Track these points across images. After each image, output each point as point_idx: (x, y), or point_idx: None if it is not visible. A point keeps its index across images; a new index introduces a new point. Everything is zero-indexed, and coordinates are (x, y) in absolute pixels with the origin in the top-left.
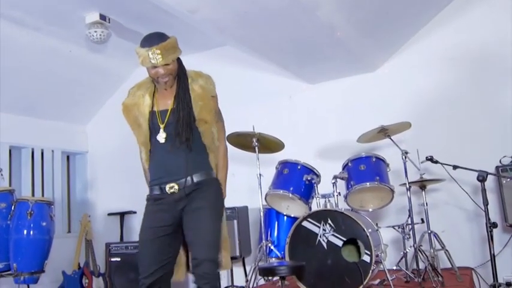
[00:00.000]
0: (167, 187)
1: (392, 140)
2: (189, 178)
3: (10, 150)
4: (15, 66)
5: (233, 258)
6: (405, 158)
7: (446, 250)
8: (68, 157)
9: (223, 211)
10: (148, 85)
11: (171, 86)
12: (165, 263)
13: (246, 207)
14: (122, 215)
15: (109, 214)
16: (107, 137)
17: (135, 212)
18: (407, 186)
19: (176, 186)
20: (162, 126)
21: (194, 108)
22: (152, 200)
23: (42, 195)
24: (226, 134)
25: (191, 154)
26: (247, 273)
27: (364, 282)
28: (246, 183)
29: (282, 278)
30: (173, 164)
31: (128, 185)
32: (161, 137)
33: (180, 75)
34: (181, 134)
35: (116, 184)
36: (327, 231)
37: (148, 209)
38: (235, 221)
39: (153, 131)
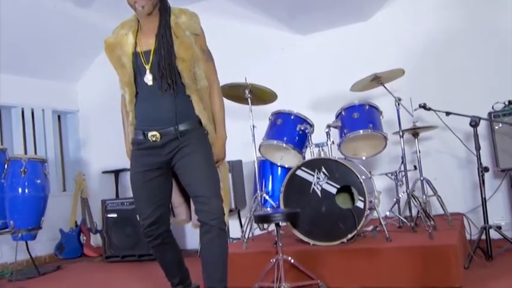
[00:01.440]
0: (149, 134)
1: (385, 87)
2: (172, 128)
3: (0, 110)
4: None
5: (229, 211)
6: (398, 105)
7: (439, 196)
8: (59, 116)
9: (213, 157)
10: (132, 23)
11: (148, 13)
12: (159, 204)
13: (240, 161)
14: (117, 172)
15: (103, 172)
16: (98, 95)
17: (129, 170)
18: (401, 133)
19: (158, 135)
20: (147, 67)
21: (174, 46)
22: (136, 144)
23: (35, 154)
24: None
25: (177, 100)
26: (243, 224)
27: (358, 228)
28: (239, 137)
29: (277, 225)
30: (159, 111)
31: (121, 142)
32: (148, 79)
33: (162, 11)
34: (165, 75)
35: (109, 142)
36: (321, 179)
37: (134, 154)
38: (229, 175)
39: (138, 72)
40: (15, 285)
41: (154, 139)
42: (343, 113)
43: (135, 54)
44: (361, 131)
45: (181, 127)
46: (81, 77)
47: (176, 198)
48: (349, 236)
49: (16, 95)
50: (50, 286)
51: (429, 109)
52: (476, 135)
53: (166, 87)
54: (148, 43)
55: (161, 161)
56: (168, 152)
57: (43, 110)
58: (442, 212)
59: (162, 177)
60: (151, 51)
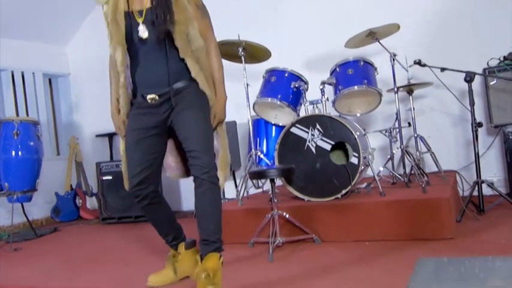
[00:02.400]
0: (148, 97)
1: (380, 43)
2: (168, 88)
3: None
4: None
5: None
6: (393, 60)
7: (432, 152)
8: (50, 80)
9: (209, 110)
10: None
11: None
12: (150, 163)
13: (234, 122)
14: (110, 136)
15: (97, 136)
16: (88, 57)
17: None
18: (395, 89)
19: (157, 97)
20: (140, 20)
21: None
22: (135, 104)
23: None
24: None
25: (171, 62)
26: (237, 184)
27: (352, 183)
28: (233, 98)
29: (272, 181)
30: (154, 73)
31: None
32: (141, 30)
33: None
34: (161, 29)
35: (102, 105)
36: (316, 136)
37: (132, 113)
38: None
39: (130, 31)
40: (13, 247)
41: (153, 101)
42: (338, 70)
43: (126, 13)
44: (355, 87)
45: (176, 85)
46: (70, 39)
47: (173, 153)
48: (343, 191)
49: (5, 58)
50: (47, 247)
51: (424, 65)
52: (470, 91)
53: (159, 43)
54: (142, 3)
55: (158, 120)
56: (165, 111)
57: (33, 73)
58: (435, 170)
59: (157, 137)
60: (144, 11)
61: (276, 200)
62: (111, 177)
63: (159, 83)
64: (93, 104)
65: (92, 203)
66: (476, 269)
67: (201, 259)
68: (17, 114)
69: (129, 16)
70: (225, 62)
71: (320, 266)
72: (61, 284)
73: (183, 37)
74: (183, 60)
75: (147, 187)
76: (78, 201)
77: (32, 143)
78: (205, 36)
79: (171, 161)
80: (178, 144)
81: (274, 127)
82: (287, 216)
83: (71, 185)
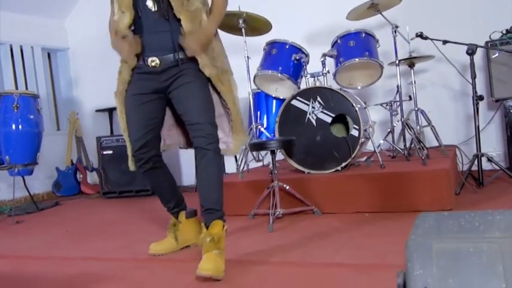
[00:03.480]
0: (149, 60)
1: (382, 15)
2: (171, 55)
3: None
4: None
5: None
6: (395, 32)
7: (433, 126)
8: (49, 55)
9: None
10: None
11: None
12: (151, 128)
13: None
14: (110, 111)
15: (97, 111)
16: (87, 32)
17: None
18: (397, 62)
19: (158, 61)
20: None
21: None
22: (136, 68)
23: None
24: None
25: (175, 33)
26: (237, 158)
27: (353, 155)
28: (233, 72)
29: (272, 153)
30: (158, 38)
31: (114, 80)
32: (150, 4)
33: None
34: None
35: (101, 80)
36: (316, 108)
37: (133, 78)
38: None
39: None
40: (15, 220)
41: (153, 64)
42: (339, 42)
43: None
44: (357, 59)
45: (181, 55)
46: (69, 13)
47: (167, 124)
48: (343, 164)
49: (4, 31)
50: (48, 220)
51: (426, 38)
52: (472, 64)
53: (166, 11)
54: None
55: (158, 87)
56: (166, 79)
57: (32, 47)
58: (434, 144)
59: (157, 102)
60: None
61: (276, 172)
62: (111, 152)
63: (161, 47)
64: (92, 79)
65: (92, 177)
66: (476, 222)
67: (207, 228)
68: (16, 89)
69: None
70: (225, 35)
71: (319, 236)
72: (63, 253)
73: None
74: (179, 20)
75: (150, 151)
76: (79, 176)
77: (32, 116)
78: None
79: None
80: (172, 114)
81: (274, 101)
82: (287, 187)
83: (72, 160)
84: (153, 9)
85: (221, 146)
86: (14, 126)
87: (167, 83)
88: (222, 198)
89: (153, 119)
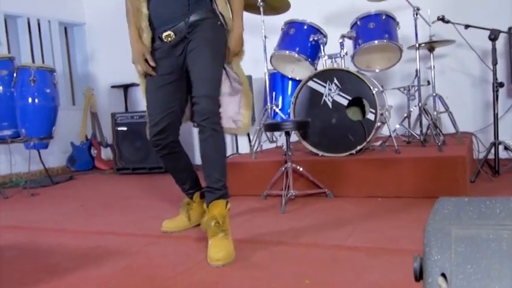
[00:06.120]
0: (164, 35)
1: None
2: (183, 22)
3: (6, 20)
4: None
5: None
6: (416, 14)
7: (450, 112)
8: (65, 29)
9: (224, 48)
10: None
11: None
12: (170, 111)
13: (250, 77)
14: (126, 87)
15: (112, 87)
16: (104, 7)
17: (138, 85)
18: (417, 45)
19: (172, 34)
20: None
21: None
22: (155, 50)
23: None
24: None
25: None
26: (251, 139)
27: (368, 139)
28: (249, 52)
29: (287, 134)
30: (173, 7)
31: (130, 56)
32: None
33: None
34: None
35: (117, 56)
36: (333, 90)
37: (154, 59)
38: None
39: None
40: (30, 192)
41: (169, 39)
42: (359, 23)
43: None
44: (376, 42)
45: (192, 17)
46: None
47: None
48: (358, 147)
49: (21, 4)
50: (63, 194)
51: (448, 22)
52: (494, 49)
53: None
54: None
55: (174, 64)
56: (180, 53)
57: (49, 21)
58: (451, 131)
59: (176, 83)
60: None
61: (290, 154)
62: (125, 128)
63: (174, 17)
64: (108, 54)
65: (106, 153)
66: (497, 209)
67: (207, 207)
68: (33, 62)
69: None
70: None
71: (332, 218)
72: (77, 226)
73: None
74: None
75: (167, 137)
76: (93, 151)
77: (48, 90)
78: None
79: None
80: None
81: (290, 82)
82: (301, 169)
83: (86, 136)
84: None
85: (230, 124)
86: (30, 100)
87: (182, 56)
88: (224, 175)
89: (172, 101)
